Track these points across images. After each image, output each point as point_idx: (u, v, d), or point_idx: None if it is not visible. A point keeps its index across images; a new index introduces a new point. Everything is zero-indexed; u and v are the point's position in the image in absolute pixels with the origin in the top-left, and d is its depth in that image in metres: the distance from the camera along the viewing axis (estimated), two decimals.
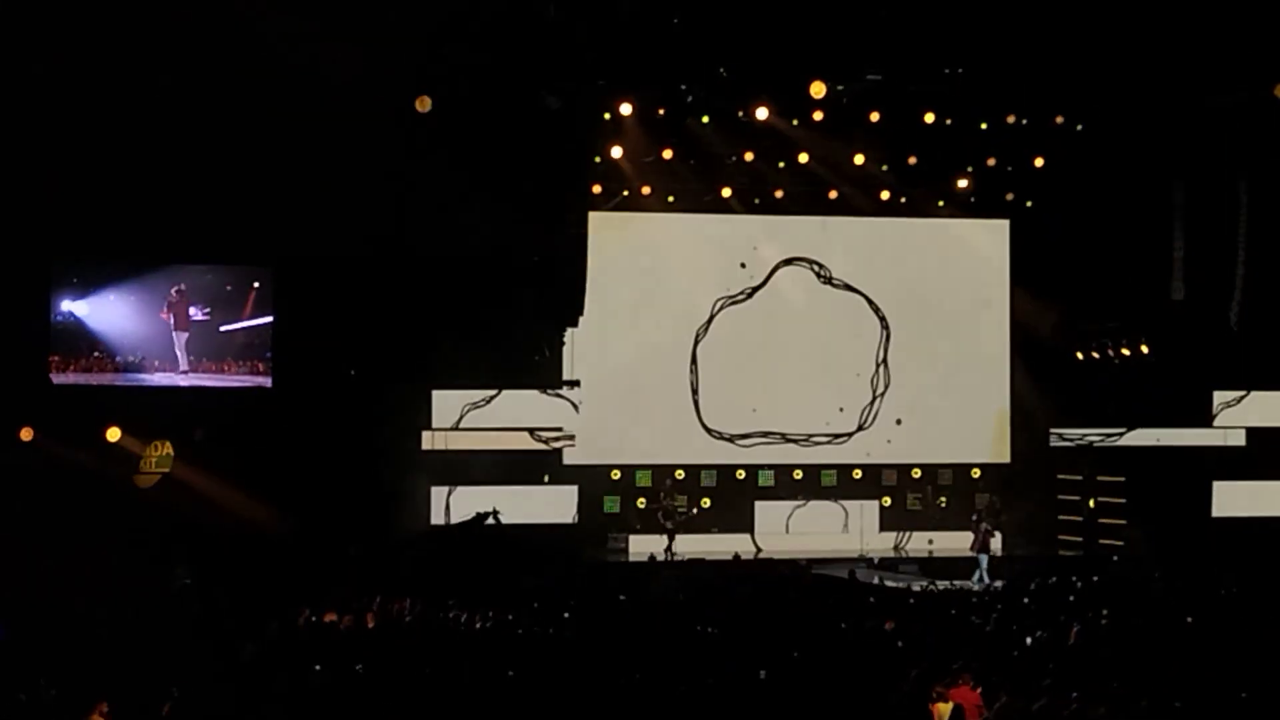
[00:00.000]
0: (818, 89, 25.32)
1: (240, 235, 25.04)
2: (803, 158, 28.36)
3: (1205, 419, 28.70)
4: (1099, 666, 15.98)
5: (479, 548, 25.83)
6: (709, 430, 30.42)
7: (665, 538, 28.94)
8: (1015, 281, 31.38)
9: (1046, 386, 30.50)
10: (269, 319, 26.29)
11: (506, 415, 27.88)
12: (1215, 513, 28.32)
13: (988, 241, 31.55)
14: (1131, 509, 29.16)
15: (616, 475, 30.05)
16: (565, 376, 28.88)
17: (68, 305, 25.45)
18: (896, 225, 31.16)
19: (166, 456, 25.75)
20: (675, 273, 30.48)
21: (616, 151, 27.16)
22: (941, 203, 30.87)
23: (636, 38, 24.31)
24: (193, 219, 24.42)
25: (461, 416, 27.44)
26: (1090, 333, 29.98)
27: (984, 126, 27.59)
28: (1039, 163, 28.87)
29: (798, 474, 30.69)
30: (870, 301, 31.06)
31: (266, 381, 26.30)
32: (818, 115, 26.70)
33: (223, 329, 26.20)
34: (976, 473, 31.28)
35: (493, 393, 27.57)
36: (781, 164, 28.93)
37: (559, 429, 28.38)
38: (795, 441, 30.64)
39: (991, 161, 29.02)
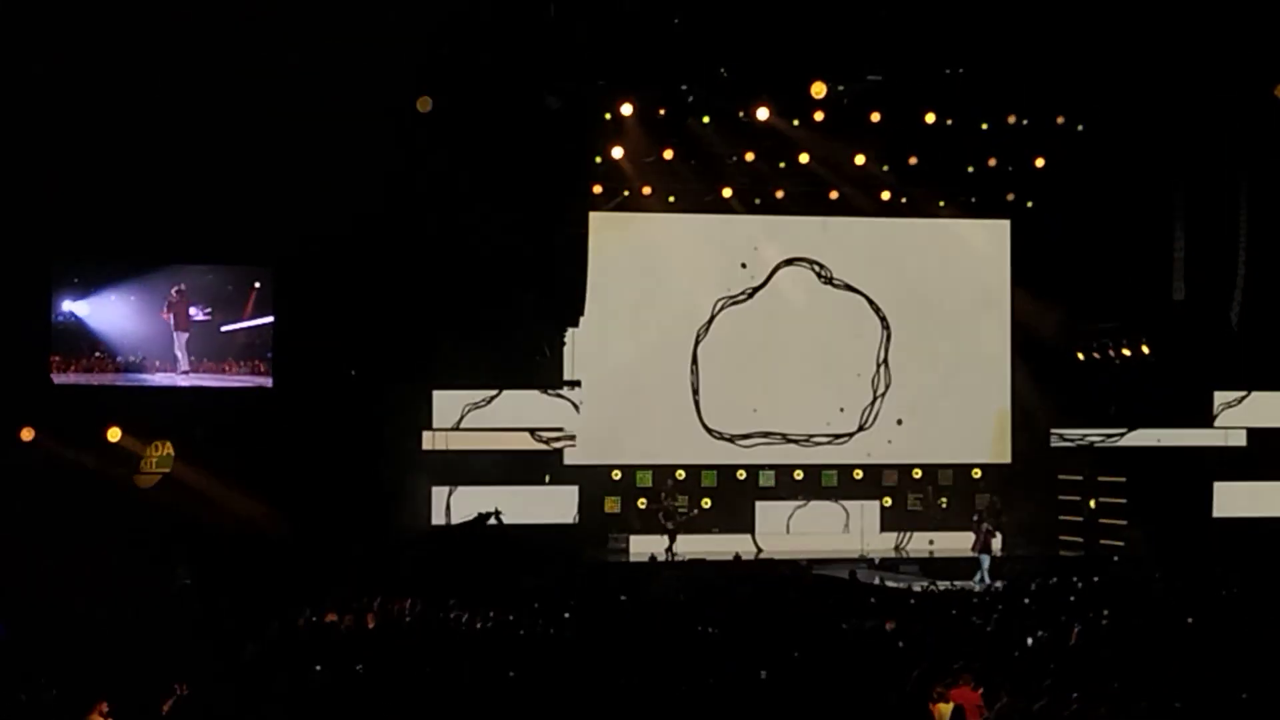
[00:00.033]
0: (818, 89, 25.34)
1: (241, 235, 25.03)
2: (803, 158, 28.37)
3: (1206, 419, 28.68)
4: (1099, 667, 15.97)
5: (480, 548, 25.83)
6: (709, 430, 30.43)
7: (666, 538, 28.95)
8: (1016, 282, 31.40)
9: (1047, 387, 30.52)
10: (269, 319, 26.28)
11: (507, 415, 27.86)
12: (1216, 513, 28.29)
13: (988, 242, 31.56)
14: (1132, 509, 29.16)
15: (617, 475, 30.06)
16: (566, 376, 28.88)
17: (68, 305, 25.43)
18: (897, 225, 31.18)
19: (167, 456, 25.74)
20: (676, 273, 30.49)
21: (617, 152, 27.16)
22: (942, 203, 30.86)
23: (637, 38, 24.31)
24: (193, 219, 24.41)
25: (462, 417, 27.42)
26: (1091, 333, 29.98)
27: (985, 127, 27.58)
28: (1040, 163, 28.88)
29: (798, 474, 30.70)
30: (871, 302, 31.07)
31: (267, 382, 26.30)
32: (818, 115, 26.72)
33: (224, 329, 26.19)
34: (977, 473, 31.29)
35: (493, 393, 27.55)
36: (782, 164, 28.95)
37: (560, 429, 28.37)
38: (796, 442, 30.65)
39: (992, 162, 29.01)
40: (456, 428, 27.49)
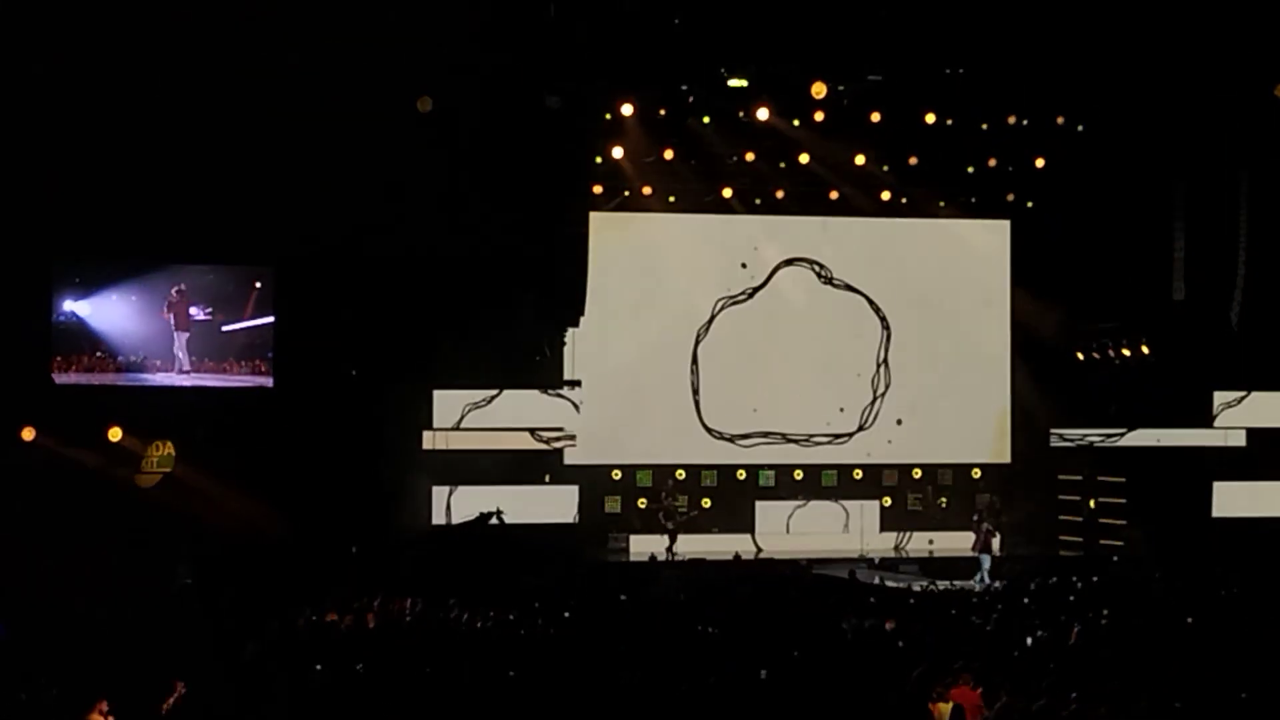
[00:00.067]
0: (818, 89, 25.33)
1: (241, 235, 25.04)
2: (803, 158, 28.37)
3: (1206, 419, 28.69)
4: (1099, 666, 15.98)
5: (480, 547, 25.84)
6: (709, 430, 30.42)
7: (666, 538, 28.97)
8: (1016, 282, 31.39)
9: (1047, 387, 30.51)
10: (270, 319, 26.29)
11: (507, 415, 27.88)
12: (1215, 513, 28.31)
13: (988, 242, 31.56)
14: (1132, 509, 29.16)
15: (617, 475, 30.07)
16: (566, 376, 28.89)
17: (70, 305, 25.44)
18: (897, 225, 31.18)
19: (168, 456, 25.74)
20: (676, 273, 30.50)
21: (617, 152, 27.16)
22: (942, 203, 30.87)
23: (637, 38, 24.31)
24: (194, 219, 24.42)
25: (463, 416, 27.44)
26: (1091, 333, 29.98)
27: (985, 127, 27.58)
28: (1040, 163, 28.88)
29: (798, 474, 30.70)
30: (871, 301, 31.07)
31: (268, 381, 26.30)
32: (819, 115, 26.71)
33: (224, 329, 26.20)
34: (977, 473, 31.30)
35: (494, 392, 27.56)
36: (782, 164, 28.95)
37: (560, 429, 28.40)
38: (795, 442, 30.65)
39: (992, 162, 29.02)
40: (457, 427, 27.50)
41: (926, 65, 25.91)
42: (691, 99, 26.47)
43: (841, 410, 30.86)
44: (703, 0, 24.03)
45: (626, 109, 26.02)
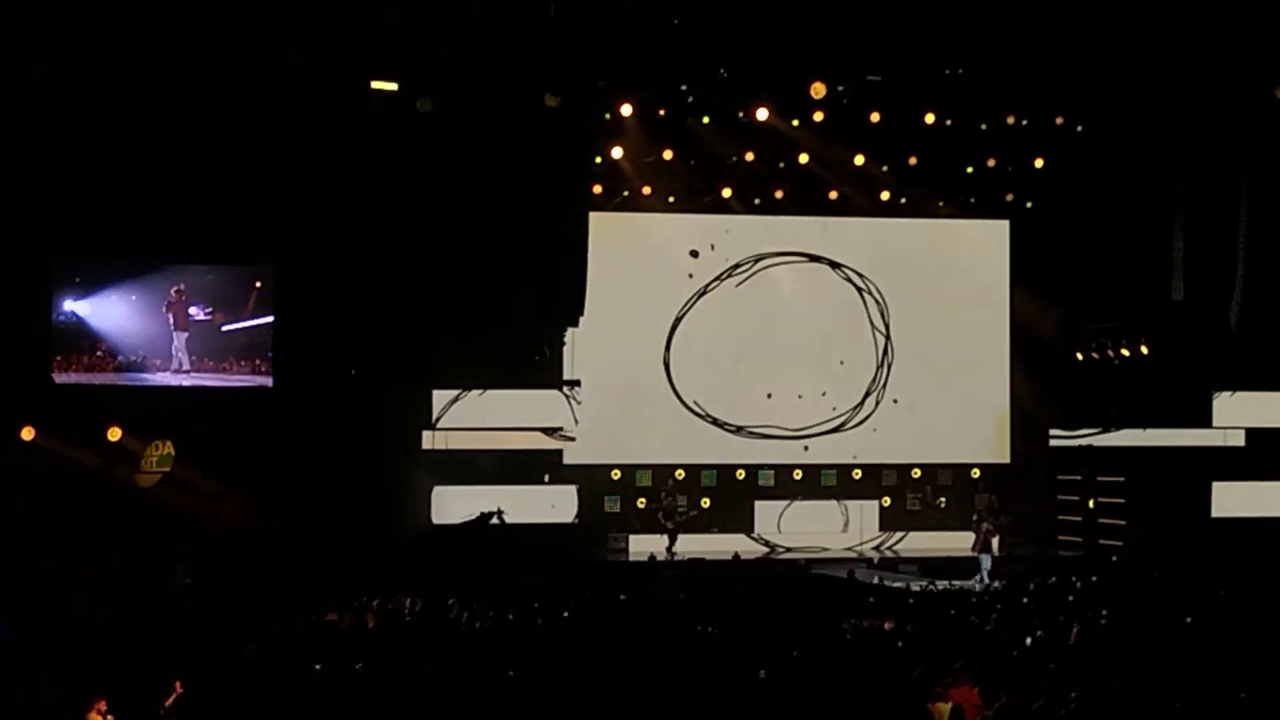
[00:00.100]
0: (818, 89, 25.33)
1: (241, 235, 25.03)
2: (803, 158, 28.37)
3: (1205, 419, 28.70)
4: (1099, 666, 15.99)
5: (480, 547, 25.85)
6: (700, 414, 30.30)
7: (666, 538, 28.98)
8: (1015, 282, 31.40)
9: (1046, 387, 30.52)
10: (270, 319, 26.28)
11: (508, 414, 27.89)
12: (1215, 513, 28.33)
13: (988, 242, 31.56)
14: (1131, 509, 29.16)
15: (617, 475, 30.07)
16: (565, 376, 28.90)
17: (70, 305, 25.45)
18: (897, 225, 31.19)
19: (167, 456, 25.74)
20: (676, 272, 30.49)
21: (617, 152, 27.17)
22: (941, 203, 30.88)
23: (637, 38, 24.31)
24: (194, 219, 24.41)
25: (441, 415, 27.42)
26: (1090, 333, 29.99)
27: (984, 127, 27.59)
28: (1039, 163, 28.88)
29: (798, 474, 30.71)
30: (870, 298, 31.06)
31: (268, 381, 26.30)
32: (818, 116, 26.71)
33: (224, 329, 26.20)
34: (976, 473, 31.30)
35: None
36: (782, 164, 28.95)
37: (559, 428, 28.42)
38: (793, 438, 30.60)
39: (991, 162, 29.02)
40: (457, 428, 27.52)
41: (926, 65, 25.89)
42: (691, 99, 26.45)
43: (835, 410, 30.81)
44: (702, 0, 24.00)
45: (626, 109, 26.01)
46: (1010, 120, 27.39)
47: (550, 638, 18.29)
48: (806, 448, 30.78)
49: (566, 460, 29.04)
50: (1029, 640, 18.04)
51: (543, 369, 28.45)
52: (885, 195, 30.22)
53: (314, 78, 22.73)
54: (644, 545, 28.80)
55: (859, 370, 31.14)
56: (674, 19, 24.17)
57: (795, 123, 27.17)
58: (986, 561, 27.04)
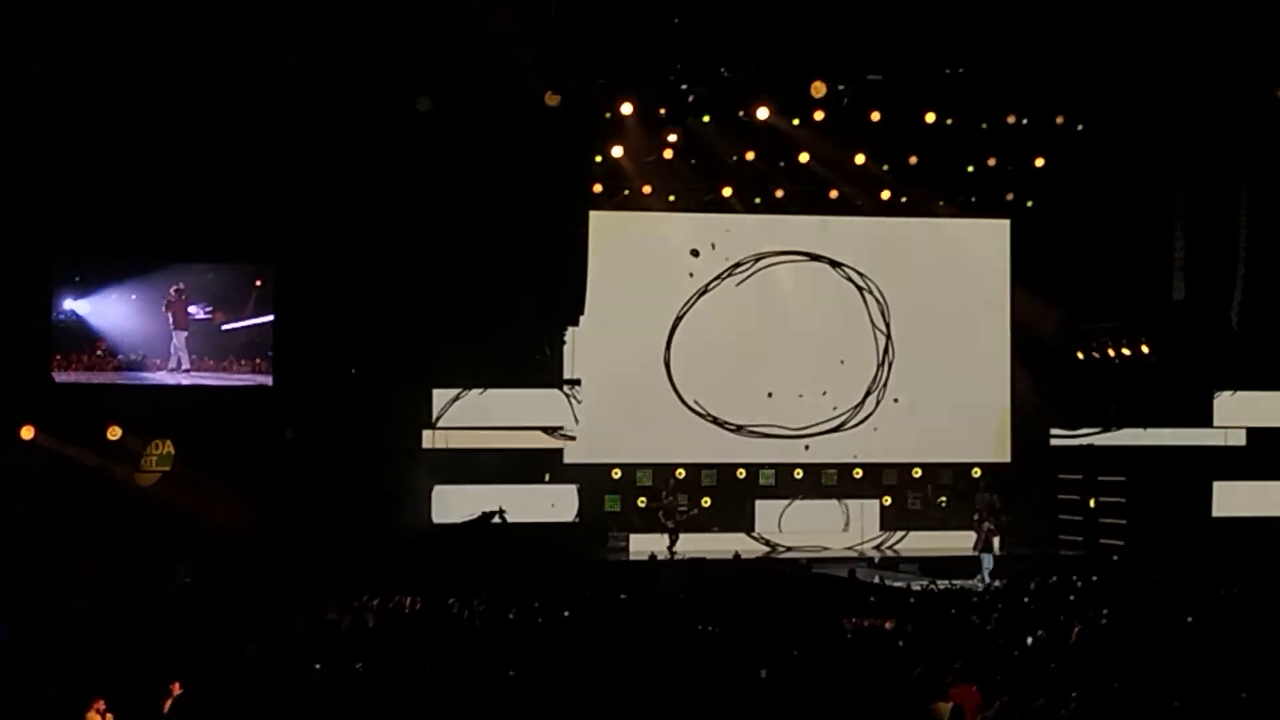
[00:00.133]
0: (818, 88, 25.32)
1: (241, 234, 25.03)
2: (803, 157, 28.37)
3: (1206, 419, 28.69)
4: (1099, 666, 15.98)
5: (480, 546, 25.85)
6: (700, 413, 30.29)
7: (667, 537, 28.97)
8: (1016, 281, 31.39)
9: (1047, 386, 30.51)
10: (270, 318, 26.28)
11: (508, 414, 27.89)
12: (1215, 513, 28.33)
13: (988, 241, 31.56)
14: (1132, 509, 29.15)
15: (617, 474, 30.06)
16: (566, 375, 28.89)
17: (69, 304, 25.44)
18: (897, 225, 31.18)
19: (167, 455, 25.74)
20: (676, 271, 30.49)
21: (617, 151, 27.16)
22: (942, 202, 30.88)
23: (637, 37, 24.30)
24: (194, 218, 24.42)
25: (441, 414, 27.41)
26: (1091, 332, 29.98)
27: (984, 126, 27.58)
28: (1040, 163, 28.87)
29: (798, 473, 30.71)
30: (871, 298, 31.06)
31: (268, 380, 26.29)
32: (818, 115, 26.70)
33: (224, 328, 26.20)
34: (977, 472, 31.29)
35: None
36: (782, 163, 28.94)
37: (560, 427, 28.42)
38: (794, 437, 30.59)
39: (992, 161, 29.01)
40: (458, 427, 27.52)
41: (926, 65, 25.89)
42: (691, 98, 26.43)
43: (835, 409, 30.80)
44: (703, 0, 24.01)
45: (626, 108, 25.99)
46: (1011, 119, 27.36)
47: (550, 637, 18.28)
48: (807, 447, 30.77)
49: (567, 459, 29.03)
50: (1030, 640, 18.04)
51: (543, 368, 28.44)
52: (886, 194, 30.21)
53: (314, 78, 22.73)
54: (644, 544, 28.78)
55: (860, 369, 31.13)
56: (674, 18, 24.16)
57: (796, 122, 27.16)
58: (988, 561, 27.05)
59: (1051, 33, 24.28)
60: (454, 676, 15.48)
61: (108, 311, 25.70)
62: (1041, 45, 24.69)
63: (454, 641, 17.91)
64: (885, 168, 29.03)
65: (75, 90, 22.73)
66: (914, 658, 16.25)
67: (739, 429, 30.50)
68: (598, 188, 28.83)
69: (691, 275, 30.56)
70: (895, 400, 31.02)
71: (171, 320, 25.91)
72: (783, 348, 30.71)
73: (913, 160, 28.67)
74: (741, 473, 30.63)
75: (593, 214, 28.55)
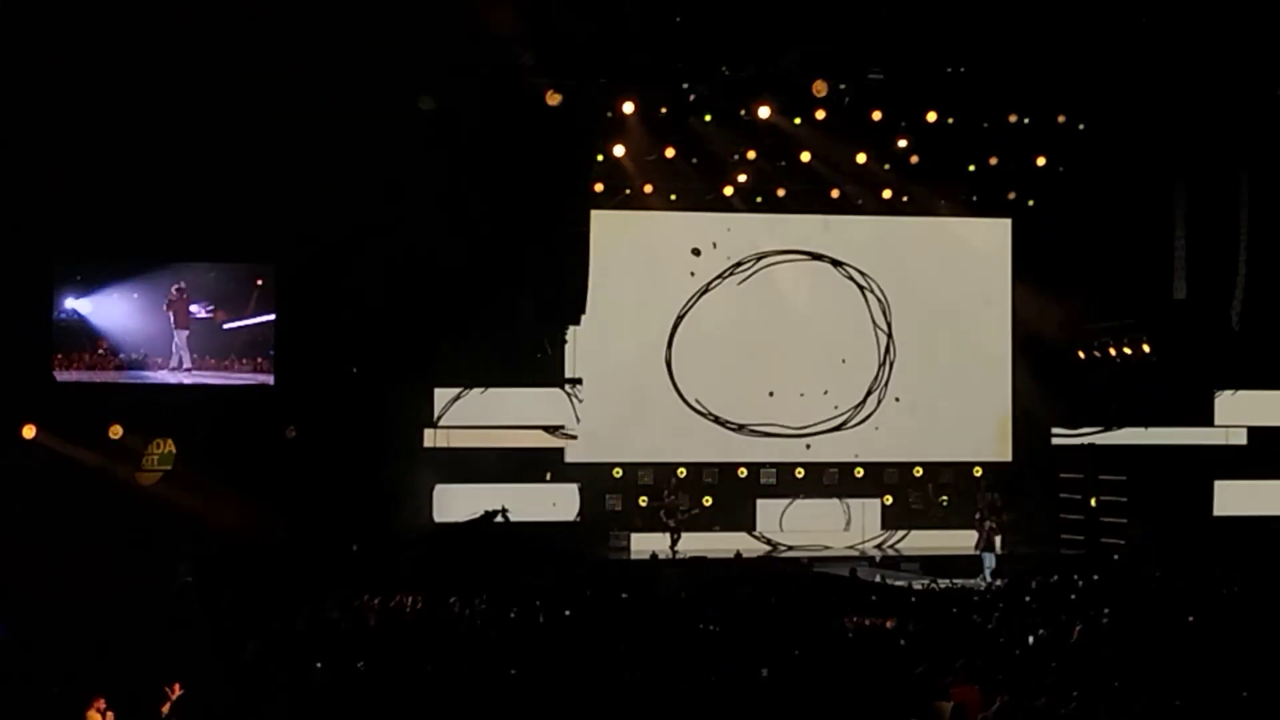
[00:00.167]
0: (819, 87, 25.32)
1: (242, 233, 25.04)
2: (805, 156, 28.36)
3: (1207, 418, 28.66)
4: (1099, 666, 15.98)
5: (481, 545, 25.87)
6: (701, 412, 30.28)
7: (669, 536, 28.96)
8: (1017, 280, 31.38)
9: (1048, 385, 30.51)
10: (271, 317, 26.28)
11: (509, 413, 27.89)
12: (1216, 512, 28.31)
13: (990, 240, 31.55)
14: (1133, 508, 29.14)
15: (618, 473, 30.06)
16: (567, 374, 28.90)
17: (71, 303, 25.45)
18: (898, 224, 31.17)
19: (169, 454, 25.75)
20: (677, 271, 30.49)
21: (619, 150, 27.16)
22: (943, 201, 30.87)
23: (638, 37, 24.30)
24: (195, 217, 24.43)
25: (443, 413, 27.42)
26: (1092, 332, 29.97)
27: (986, 125, 27.57)
28: (1041, 162, 28.86)
29: (799, 472, 30.70)
30: (872, 297, 31.05)
31: (269, 379, 26.29)
32: (820, 114, 26.69)
33: (226, 326, 26.20)
34: (978, 471, 31.28)
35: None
36: (783, 162, 28.94)
37: (561, 426, 28.42)
38: (795, 436, 30.59)
39: (993, 160, 28.99)
40: (458, 426, 27.52)
41: (928, 64, 25.88)
42: (693, 97, 26.43)
43: (836, 408, 30.81)
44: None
45: (627, 107, 25.99)
46: (1012, 119, 27.36)
47: (552, 636, 18.29)
48: (808, 446, 30.77)
49: (568, 459, 29.03)
50: (1031, 639, 18.04)
51: (544, 367, 28.45)
52: (887, 193, 30.19)
53: (314, 78, 22.73)
54: (646, 544, 28.76)
55: (861, 369, 31.11)
56: (675, 17, 24.16)
57: (797, 121, 27.17)
58: (990, 560, 27.06)
59: (1052, 32, 24.28)
60: (455, 676, 15.49)
61: (109, 310, 25.70)
62: (1042, 44, 24.68)
63: (455, 641, 17.92)
64: (887, 166, 29.02)
65: (76, 90, 22.74)
66: (915, 657, 16.25)
67: (740, 428, 30.50)
68: (599, 186, 28.82)
69: (693, 274, 30.54)
70: (896, 399, 31.01)
71: (173, 319, 25.92)
72: (784, 347, 30.71)
73: (914, 159, 28.64)
74: (743, 472, 30.63)
75: (594, 213, 28.53)
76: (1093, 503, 30.08)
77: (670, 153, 27.78)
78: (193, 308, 26.03)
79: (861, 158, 28.12)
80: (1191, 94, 25.41)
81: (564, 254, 27.48)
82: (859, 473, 30.95)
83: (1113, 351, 29.65)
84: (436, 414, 27.45)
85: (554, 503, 28.30)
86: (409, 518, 26.81)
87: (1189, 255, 27.60)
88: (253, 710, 14.07)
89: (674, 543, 28.94)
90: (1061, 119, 27.38)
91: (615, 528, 29.62)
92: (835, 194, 30.17)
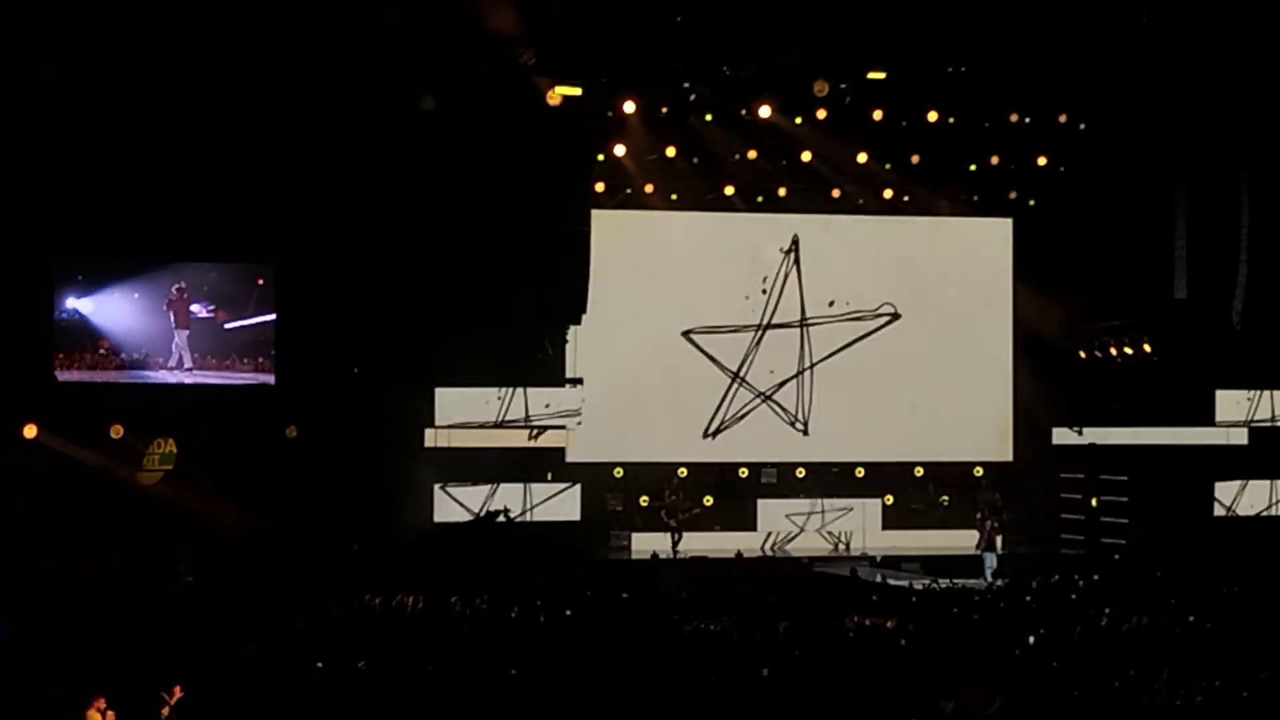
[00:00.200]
0: (820, 87, 25.32)
1: (243, 233, 25.04)
2: (805, 156, 28.36)
3: (1208, 418, 28.64)
4: (1100, 666, 15.98)
5: (482, 545, 25.87)
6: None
7: (669, 536, 28.94)
8: (1018, 280, 31.36)
9: (1049, 385, 30.50)
10: (272, 316, 26.27)
11: (510, 412, 27.86)
12: (1217, 512, 28.30)
13: (991, 240, 31.54)
14: (1134, 508, 29.13)
15: (619, 473, 30.06)
16: (568, 374, 28.88)
17: (72, 302, 25.46)
18: (899, 224, 31.16)
19: (170, 454, 25.75)
20: (678, 270, 30.49)
21: (619, 149, 27.16)
22: (944, 201, 30.86)
23: (638, 36, 24.31)
24: (196, 216, 24.43)
25: (443, 413, 27.42)
26: (1093, 331, 29.97)
27: (987, 125, 27.57)
28: (1042, 161, 28.87)
29: (800, 472, 30.69)
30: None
31: (270, 379, 26.29)
32: (821, 113, 26.70)
33: (226, 326, 26.20)
34: (979, 471, 31.26)
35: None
36: (784, 162, 28.94)
37: (561, 426, 28.41)
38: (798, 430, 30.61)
39: (994, 160, 28.99)
40: (459, 425, 27.51)
41: (928, 63, 25.89)
42: (693, 97, 26.44)
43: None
44: None
45: (628, 107, 25.99)
46: (1013, 118, 27.37)
47: (552, 636, 18.30)
48: (807, 432, 30.72)
49: (569, 458, 29.00)
50: (1031, 639, 18.04)
51: (545, 367, 28.44)
52: (888, 193, 30.19)
53: (314, 78, 22.74)
54: (646, 543, 28.76)
55: None
56: (676, 17, 24.17)
57: (798, 120, 27.17)
58: (992, 560, 27.07)
59: (1053, 31, 24.28)
60: (455, 675, 15.50)
61: (110, 310, 25.69)
62: (1043, 44, 24.70)
63: (455, 641, 17.92)
64: (888, 166, 29.02)
65: (77, 90, 22.76)
66: (916, 657, 16.26)
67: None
68: (600, 186, 28.82)
69: (695, 275, 30.52)
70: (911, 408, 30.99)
71: (173, 319, 25.91)
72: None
73: (915, 159, 28.65)
74: (743, 472, 30.63)
75: (595, 212, 28.52)
76: (1093, 503, 30.07)
77: (671, 152, 27.78)
78: (193, 308, 26.03)
79: (862, 157, 28.13)
80: (1191, 94, 25.41)
81: (564, 254, 27.46)
82: (860, 472, 30.94)
83: (1113, 351, 29.64)
84: (436, 414, 27.32)
85: (554, 502, 28.20)
86: (409, 517, 26.79)
87: (1189, 255, 27.59)
88: (253, 710, 14.07)
89: (675, 543, 28.92)
90: (1063, 118, 27.38)
91: (616, 527, 29.60)
92: (836, 194, 30.16)
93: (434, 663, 16.15)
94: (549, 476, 28.67)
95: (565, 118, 25.27)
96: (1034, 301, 30.65)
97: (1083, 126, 27.59)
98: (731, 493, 30.40)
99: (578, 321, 28.60)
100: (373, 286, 25.72)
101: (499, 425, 27.62)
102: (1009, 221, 31.45)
